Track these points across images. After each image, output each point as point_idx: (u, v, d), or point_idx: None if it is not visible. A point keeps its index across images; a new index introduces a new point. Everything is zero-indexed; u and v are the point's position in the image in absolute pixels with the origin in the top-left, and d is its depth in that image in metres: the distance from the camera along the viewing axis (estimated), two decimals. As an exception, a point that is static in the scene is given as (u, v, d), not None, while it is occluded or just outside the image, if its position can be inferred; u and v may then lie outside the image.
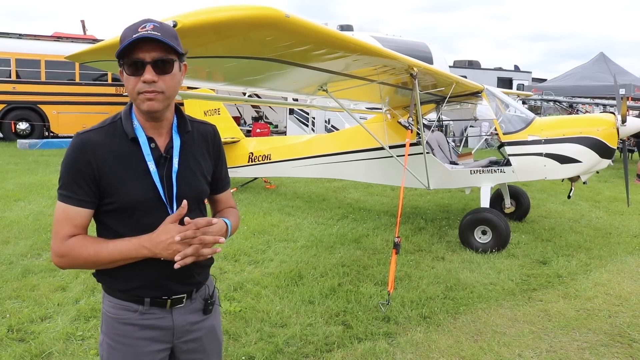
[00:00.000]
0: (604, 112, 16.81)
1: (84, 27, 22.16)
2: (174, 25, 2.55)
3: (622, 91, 16.82)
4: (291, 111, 17.45)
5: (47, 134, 18.37)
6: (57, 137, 18.41)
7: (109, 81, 18.80)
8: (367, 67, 4.62)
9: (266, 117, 20.84)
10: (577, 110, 17.11)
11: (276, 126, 20.26)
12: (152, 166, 1.82)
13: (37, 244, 6.20)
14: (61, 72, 18.02)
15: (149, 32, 1.70)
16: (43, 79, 17.86)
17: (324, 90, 5.25)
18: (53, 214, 6.08)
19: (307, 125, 16.90)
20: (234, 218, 2.09)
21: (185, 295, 1.94)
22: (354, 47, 3.86)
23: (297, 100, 11.41)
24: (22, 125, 17.98)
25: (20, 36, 18.27)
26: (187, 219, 1.76)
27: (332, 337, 4.13)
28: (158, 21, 1.76)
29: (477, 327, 4.41)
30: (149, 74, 1.71)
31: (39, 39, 18.57)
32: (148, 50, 1.71)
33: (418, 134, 6.85)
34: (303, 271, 5.53)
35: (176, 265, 1.72)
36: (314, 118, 16.62)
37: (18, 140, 16.78)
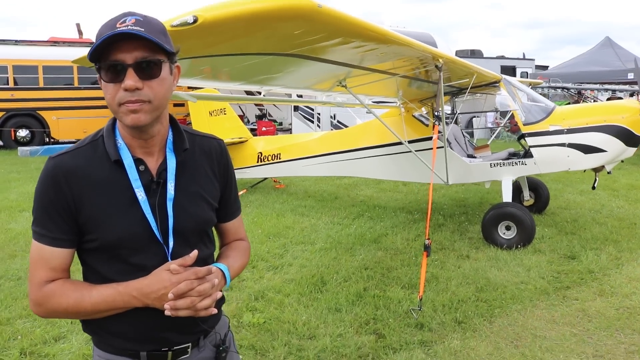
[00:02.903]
0: (611, 98, 16.56)
1: (79, 30, 21.83)
2: (195, 21, 2.29)
3: (630, 76, 16.58)
4: (296, 108, 17.19)
5: (47, 140, 18.13)
6: (58, 143, 18.18)
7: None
8: (393, 60, 4.37)
9: (270, 115, 20.55)
10: (585, 97, 16.83)
11: (280, 124, 19.98)
12: (140, 194, 1.49)
13: (45, 257, 5.95)
14: (59, 77, 17.79)
15: (129, 27, 1.36)
16: (41, 84, 17.62)
17: (342, 86, 4.99)
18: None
19: (312, 122, 16.65)
20: (240, 255, 1.76)
21: (189, 344, 1.62)
22: (386, 39, 3.59)
23: (301, 96, 11.16)
24: (22, 133, 17.76)
25: (16, 42, 18.03)
26: (181, 261, 1.46)
27: (365, 348, 3.89)
28: (141, 14, 1.43)
29: (515, 331, 4.18)
30: (130, 79, 1.38)
31: (35, 45, 18.35)
32: (129, 50, 1.38)
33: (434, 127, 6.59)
34: (325, 276, 5.29)
35: (167, 313, 1.43)
36: (319, 114, 16.37)
37: (19, 148, 16.55)
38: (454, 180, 6.96)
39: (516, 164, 6.71)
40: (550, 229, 7.02)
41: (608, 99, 15.76)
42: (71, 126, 18.05)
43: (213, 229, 1.76)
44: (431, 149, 6.50)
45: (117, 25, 1.38)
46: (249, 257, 1.83)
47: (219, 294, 1.50)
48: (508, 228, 6.29)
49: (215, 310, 1.50)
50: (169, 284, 1.42)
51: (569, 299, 4.80)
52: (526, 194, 7.88)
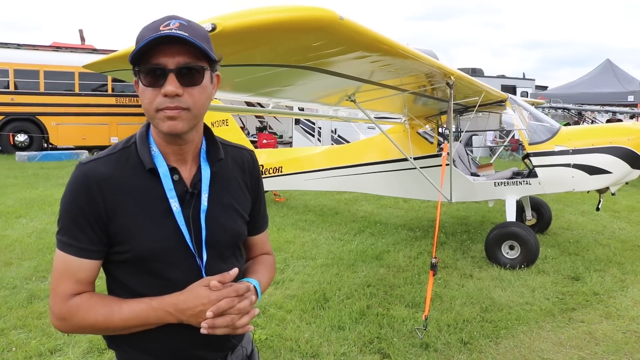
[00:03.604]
0: (611, 119, 16.61)
1: (82, 36, 21.83)
2: (213, 29, 2.23)
3: (630, 98, 16.66)
4: (297, 121, 17.15)
5: (46, 145, 18.03)
6: (56, 149, 18.06)
7: (110, 91, 18.50)
8: (404, 76, 4.32)
9: (270, 128, 20.50)
10: (585, 118, 16.87)
11: (281, 136, 19.93)
12: (175, 204, 1.43)
13: (41, 266, 5.85)
14: (60, 83, 17.74)
15: (173, 30, 1.31)
16: (42, 89, 17.55)
17: (351, 101, 4.94)
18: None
19: (313, 136, 16.60)
20: (268, 270, 1.70)
21: None
22: (403, 54, 3.53)
23: (303, 109, 11.13)
24: (21, 137, 17.65)
25: (18, 46, 17.96)
26: (220, 278, 1.40)
27: (369, 368, 3.80)
28: (185, 19, 1.38)
29: (522, 354, 4.10)
30: (171, 84, 1.33)
31: (37, 49, 18.28)
32: (172, 55, 1.33)
33: (440, 144, 6.56)
34: (327, 292, 5.20)
35: (203, 331, 1.37)
36: (320, 128, 16.33)
37: (17, 153, 16.45)
38: (458, 199, 6.90)
39: (520, 183, 6.66)
40: (553, 250, 6.96)
41: (608, 121, 15.79)
42: (70, 132, 17.98)
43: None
44: (434, 166, 6.48)
45: (161, 28, 1.33)
46: (275, 272, 1.78)
47: (256, 311, 1.45)
48: (512, 248, 6.23)
49: (252, 328, 1.46)
50: (207, 301, 1.36)
51: (575, 321, 4.73)
52: (528, 213, 7.82)
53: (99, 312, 1.39)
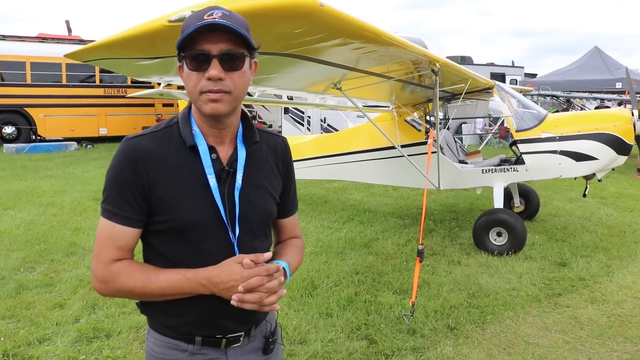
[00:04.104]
0: (599, 106, 16.69)
1: (69, 27, 21.58)
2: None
3: (618, 85, 16.74)
4: (286, 110, 17.11)
5: (34, 137, 17.88)
6: (44, 140, 17.91)
7: (97, 82, 18.35)
8: (389, 63, 4.32)
9: (260, 117, 20.44)
10: (574, 105, 16.95)
11: (270, 126, 19.88)
12: (212, 180, 1.53)
13: (30, 257, 5.83)
14: (47, 74, 17.55)
15: (217, 19, 1.41)
16: (29, 81, 17.36)
17: (337, 89, 4.93)
18: (45, 223, 5.66)
19: (302, 125, 16.57)
20: (297, 254, 1.77)
21: (242, 333, 1.64)
22: (386, 41, 3.53)
23: (292, 98, 11.11)
24: (9, 129, 17.47)
25: (3, 37, 17.73)
26: (254, 258, 1.48)
27: (357, 353, 3.84)
28: (227, 9, 1.46)
29: (507, 338, 4.15)
30: (215, 69, 1.42)
31: (23, 41, 18.05)
32: (215, 42, 1.42)
33: (427, 132, 6.57)
34: (316, 280, 5.22)
35: (233, 303, 1.46)
36: (309, 117, 16.30)
37: (4, 145, 16.30)
38: (446, 186, 6.94)
39: (508, 170, 6.70)
40: (540, 236, 7.02)
41: (596, 108, 15.88)
42: (58, 124, 17.82)
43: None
44: (423, 154, 6.48)
45: (205, 17, 1.42)
46: (303, 255, 1.86)
47: (283, 291, 1.54)
48: (499, 234, 6.27)
49: (278, 307, 1.54)
50: (239, 277, 1.45)
51: (560, 306, 4.79)
52: (516, 200, 7.87)
53: (138, 278, 1.49)
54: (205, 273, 1.48)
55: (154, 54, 2.99)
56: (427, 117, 7.31)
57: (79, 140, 17.69)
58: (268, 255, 1.51)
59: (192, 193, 1.52)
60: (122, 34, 2.75)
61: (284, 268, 1.58)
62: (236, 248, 1.55)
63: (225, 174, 1.56)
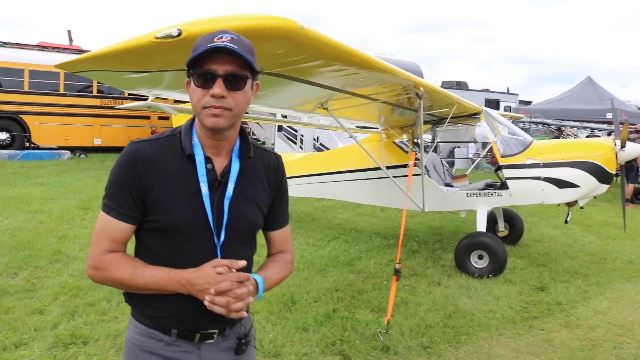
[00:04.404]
0: (590, 136, 16.90)
1: (70, 37, 21.77)
2: (179, 34, 2.35)
3: (609, 115, 16.97)
4: (279, 128, 17.25)
5: (28, 145, 17.91)
6: (38, 148, 17.94)
7: (94, 92, 18.47)
8: (374, 85, 4.44)
9: (253, 134, 20.58)
10: (565, 134, 17.17)
11: (264, 143, 20.03)
12: (204, 189, 1.67)
13: (13, 262, 5.87)
14: (45, 82, 17.65)
15: (225, 43, 1.56)
16: (26, 88, 17.45)
17: (324, 109, 5.06)
18: (31, 230, 5.72)
19: (295, 143, 16.70)
20: (281, 268, 1.89)
21: (216, 331, 1.76)
22: (367, 64, 3.66)
23: (286, 116, 11.22)
24: (3, 136, 17.48)
25: (4, 44, 17.86)
26: (229, 263, 1.61)
27: (330, 368, 3.89)
28: (236, 33, 1.61)
29: (479, 359, 4.21)
30: (218, 87, 1.57)
31: (23, 48, 18.18)
32: (222, 63, 1.57)
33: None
34: (296, 296, 5.28)
35: (205, 304, 1.58)
36: (302, 136, 16.44)
37: (-3, 151, 16.32)
38: (430, 208, 7.04)
39: (492, 194, 6.81)
40: (522, 260, 7.10)
41: (587, 137, 16.10)
42: (53, 132, 17.87)
43: (263, 237, 1.94)
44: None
45: (215, 40, 1.57)
46: (292, 270, 1.97)
47: (250, 299, 1.62)
48: (480, 257, 6.36)
49: (245, 314, 1.62)
50: (212, 281, 1.57)
51: (535, 329, 4.86)
52: (501, 225, 7.97)
53: (126, 270, 1.64)
54: (185, 274, 1.61)
55: (141, 67, 3.10)
56: (415, 140, 7.43)
57: (72, 149, 17.75)
58: (242, 263, 1.62)
59: (184, 198, 1.66)
60: (112, 47, 2.86)
61: (256, 281, 1.69)
62: (219, 252, 1.68)
63: (217, 183, 1.69)
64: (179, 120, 9.55)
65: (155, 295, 1.67)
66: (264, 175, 1.83)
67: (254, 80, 1.67)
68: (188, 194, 1.66)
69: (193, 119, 1.74)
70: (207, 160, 1.70)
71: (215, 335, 1.76)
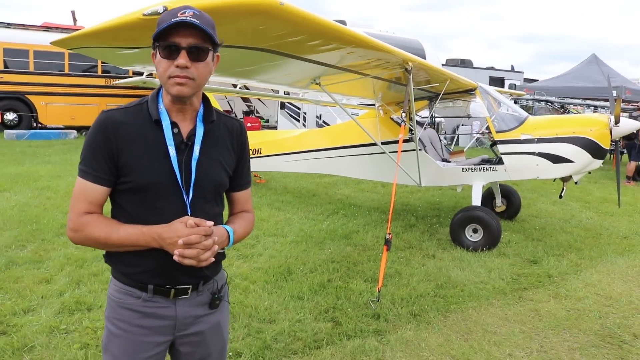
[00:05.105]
0: (595, 113, 16.86)
1: (74, 17, 21.84)
2: (164, 10, 2.46)
3: (613, 93, 16.92)
4: (282, 106, 17.34)
5: (35, 124, 18.12)
6: (45, 128, 18.16)
7: (99, 72, 18.59)
8: (361, 61, 4.54)
9: (257, 112, 20.68)
10: (568, 111, 17.14)
11: (267, 121, 20.13)
12: (172, 151, 1.79)
13: (21, 235, 6.08)
14: (50, 63, 17.77)
15: (188, 17, 1.68)
16: (31, 69, 17.60)
17: (317, 84, 5.17)
18: (39, 206, 5.94)
19: (298, 120, 16.81)
20: (245, 224, 2.04)
21: (190, 286, 1.89)
22: (349, 39, 3.77)
23: (288, 94, 11.32)
24: (10, 116, 17.70)
25: (8, 25, 17.96)
26: (197, 221, 1.72)
27: (321, 333, 4.07)
28: (198, 9, 1.74)
29: (467, 326, 4.37)
30: (182, 59, 1.69)
31: (27, 29, 18.28)
32: (185, 36, 1.70)
33: (410, 130, 6.79)
34: (292, 266, 5.46)
35: (175, 258, 1.70)
36: (305, 113, 16.53)
37: (5, 131, 16.54)
38: (427, 183, 7.16)
39: (487, 169, 6.92)
40: (517, 235, 7.23)
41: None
42: (59, 112, 18.06)
43: (225, 198, 2.06)
44: (405, 150, 6.70)
45: (179, 15, 1.69)
46: (253, 227, 2.11)
47: (215, 248, 1.74)
48: (475, 231, 6.49)
49: (212, 259, 1.75)
50: (182, 234, 1.69)
51: (524, 299, 5.01)
52: (498, 200, 8.09)
53: (102, 229, 1.76)
54: (156, 229, 1.73)
55: (133, 44, 3.23)
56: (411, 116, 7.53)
57: (79, 128, 17.94)
58: (210, 223, 1.73)
59: (152, 159, 1.78)
60: (104, 24, 2.98)
61: (227, 231, 1.86)
62: (189, 209, 1.81)
63: (183, 146, 1.82)
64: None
65: (131, 252, 1.79)
66: (227, 139, 1.95)
67: (215, 52, 1.80)
68: (157, 156, 1.78)
69: (159, 89, 1.87)
70: (174, 125, 1.82)
71: (189, 291, 1.89)
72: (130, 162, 1.76)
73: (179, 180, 1.79)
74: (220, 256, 1.96)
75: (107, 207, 1.86)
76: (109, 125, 1.77)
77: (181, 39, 1.69)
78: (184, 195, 1.81)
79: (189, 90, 1.74)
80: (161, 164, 1.78)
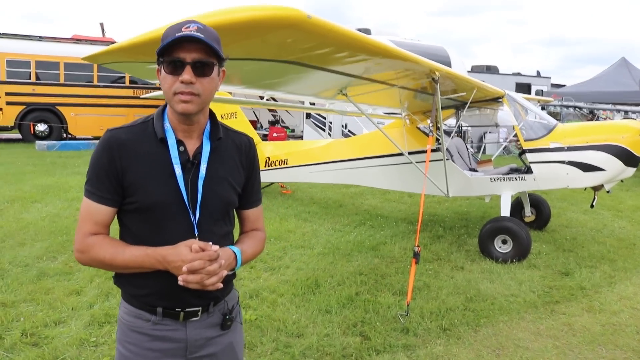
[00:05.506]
0: (625, 118, 16.51)
1: (103, 29, 22.37)
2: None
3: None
4: (308, 115, 17.39)
5: (65, 135, 18.51)
6: (75, 138, 18.54)
7: (127, 83, 18.92)
8: (388, 71, 4.52)
9: (283, 121, 20.78)
10: (598, 116, 16.81)
11: (293, 130, 20.21)
12: (178, 169, 1.76)
13: (52, 247, 6.19)
14: (80, 74, 18.20)
15: (192, 32, 1.66)
16: (62, 80, 18.02)
17: (343, 95, 5.16)
18: (69, 217, 6.02)
19: (324, 130, 16.82)
20: (255, 244, 1.98)
21: (200, 308, 1.85)
22: (375, 50, 3.75)
23: (314, 104, 11.32)
24: (41, 127, 18.16)
25: (40, 38, 18.46)
26: (202, 245, 1.67)
27: (350, 348, 4.02)
28: (202, 23, 1.71)
29: (498, 341, 4.28)
30: (187, 74, 1.66)
31: (58, 42, 18.76)
32: (189, 51, 1.67)
33: (438, 140, 6.72)
34: (320, 279, 5.43)
35: (179, 282, 1.66)
36: (330, 123, 16.54)
37: (36, 142, 16.94)
38: (455, 193, 7.08)
39: (516, 179, 6.81)
40: (548, 246, 7.09)
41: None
42: (88, 123, 18.43)
43: (236, 216, 2.01)
44: (433, 160, 6.63)
45: (183, 29, 1.66)
46: (264, 247, 2.05)
47: (223, 273, 1.70)
48: (504, 242, 6.38)
49: (221, 286, 1.70)
50: (185, 259, 1.64)
51: (556, 313, 4.88)
52: (527, 210, 7.95)
53: (107, 251, 1.73)
54: (161, 251, 1.68)
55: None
56: (438, 125, 7.46)
57: (107, 139, 18.24)
58: (215, 247, 1.69)
59: (158, 178, 1.75)
60: (133, 39, 3.02)
61: (235, 252, 1.80)
62: (196, 229, 1.78)
63: (190, 164, 1.78)
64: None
65: (139, 273, 1.75)
66: (236, 156, 1.91)
67: (220, 67, 1.77)
68: (162, 175, 1.74)
69: (165, 106, 1.83)
70: (179, 143, 1.78)
71: (199, 313, 1.84)
72: (136, 182, 1.74)
73: (186, 200, 1.76)
74: (230, 276, 1.88)
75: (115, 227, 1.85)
76: (114, 144, 1.75)
77: (186, 54, 1.66)
78: (191, 215, 1.77)
79: (195, 107, 1.71)
80: (167, 184, 1.75)
